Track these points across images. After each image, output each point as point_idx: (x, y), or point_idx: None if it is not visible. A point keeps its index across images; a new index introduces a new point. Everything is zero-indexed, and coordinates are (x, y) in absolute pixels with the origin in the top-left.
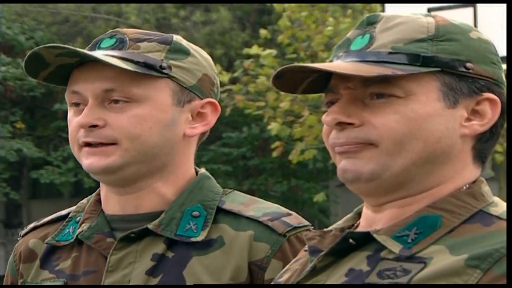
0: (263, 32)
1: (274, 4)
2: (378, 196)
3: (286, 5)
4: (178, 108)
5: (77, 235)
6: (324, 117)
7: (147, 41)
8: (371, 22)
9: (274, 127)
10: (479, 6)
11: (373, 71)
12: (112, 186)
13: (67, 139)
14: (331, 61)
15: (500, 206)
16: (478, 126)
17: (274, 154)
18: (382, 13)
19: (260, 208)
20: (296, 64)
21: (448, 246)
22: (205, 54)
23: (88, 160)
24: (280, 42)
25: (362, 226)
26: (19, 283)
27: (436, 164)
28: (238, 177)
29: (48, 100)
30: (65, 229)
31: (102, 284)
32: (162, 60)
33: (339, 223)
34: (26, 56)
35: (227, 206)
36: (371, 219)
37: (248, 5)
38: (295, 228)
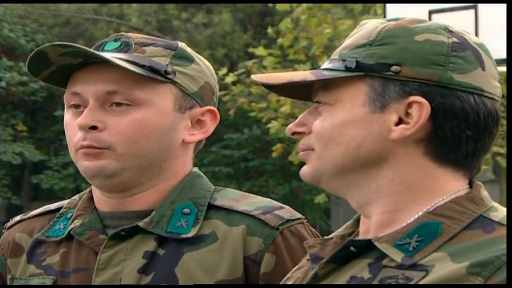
0: (270, 31)
1: (279, 5)
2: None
3: (296, 6)
4: (179, 114)
5: (69, 231)
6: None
7: (153, 45)
8: None
9: (274, 125)
10: (480, 7)
11: (290, 78)
12: (108, 191)
13: (67, 145)
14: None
15: (500, 211)
16: (404, 129)
17: (274, 154)
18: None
19: (252, 202)
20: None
21: (450, 253)
22: (207, 62)
23: (84, 163)
24: (280, 44)
25: (361, 233)
26: (7, 278)
27: (372, 168)
28: (239, 179)
29: (49, 104)
30: (55, 225)
31: (92, 282)
32: (167, 65)
33: (340, 231)
34: (31, 53)
35: (218, 202)
36: (366, 225)
37: (250, 7)
38: (288, 221)
